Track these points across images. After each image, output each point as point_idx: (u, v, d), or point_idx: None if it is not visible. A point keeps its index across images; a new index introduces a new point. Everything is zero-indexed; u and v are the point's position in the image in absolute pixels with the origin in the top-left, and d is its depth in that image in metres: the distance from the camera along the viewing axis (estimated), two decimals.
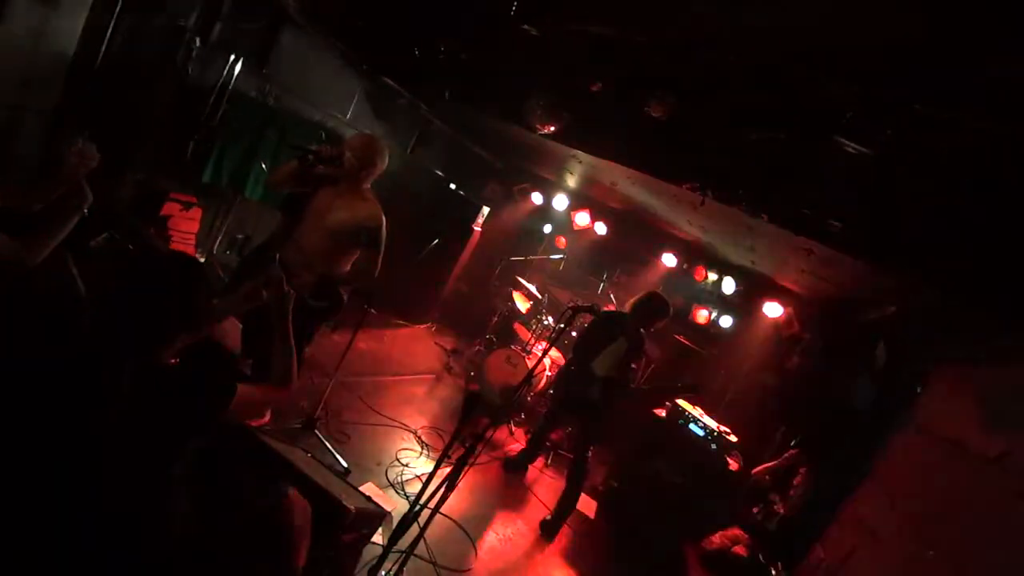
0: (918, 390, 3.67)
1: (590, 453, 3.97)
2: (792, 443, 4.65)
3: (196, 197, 4.45)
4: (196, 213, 4.50)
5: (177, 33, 3.83)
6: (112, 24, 3.48)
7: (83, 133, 1.71)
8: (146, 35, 3.67)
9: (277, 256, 2.84)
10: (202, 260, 4.53)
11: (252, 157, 4.62)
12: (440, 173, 6.95)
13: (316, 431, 3.37)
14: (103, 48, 3.50)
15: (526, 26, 3.36)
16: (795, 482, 4.12)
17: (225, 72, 4.20)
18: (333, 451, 3.31)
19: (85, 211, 1.71)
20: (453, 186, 6.95)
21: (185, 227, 4.46)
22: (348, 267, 3.06)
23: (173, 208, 4.31)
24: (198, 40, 3.92)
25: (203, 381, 1.41)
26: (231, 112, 4.34)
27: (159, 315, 1.35)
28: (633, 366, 3.92)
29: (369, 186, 2.97)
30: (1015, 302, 2.39)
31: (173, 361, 1.43)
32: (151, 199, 4.19)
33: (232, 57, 4.19)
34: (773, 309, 5.35)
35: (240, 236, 5.09)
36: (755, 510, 4.05)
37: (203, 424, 1.41)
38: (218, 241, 4.96)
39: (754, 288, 5.57)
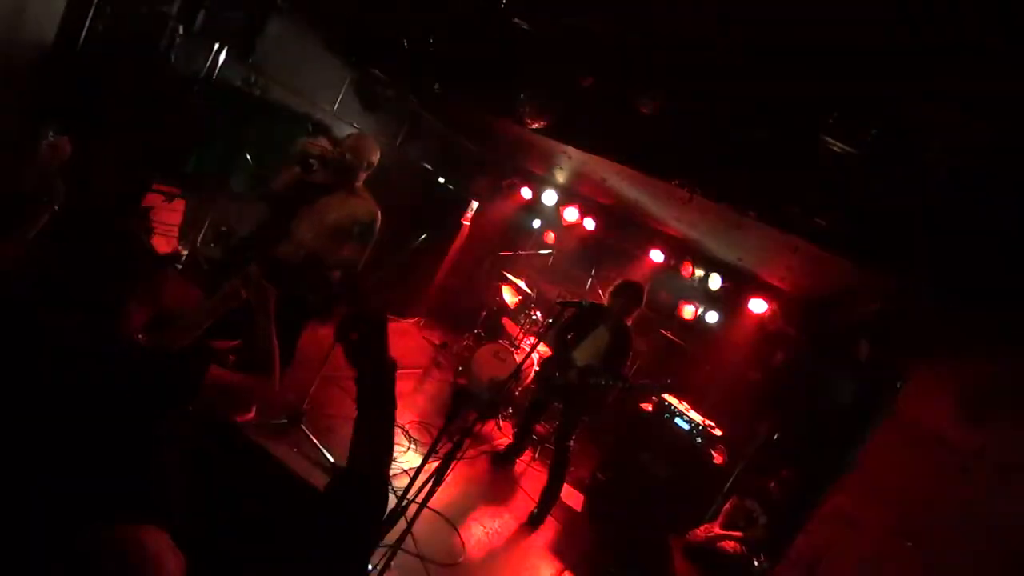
0: (899, 385, 3.74)
1: (572, 443, 4.02)
2: (774, 437, 4.71)
3: (179, 188, 4.37)
4: (179, 204, 4.42)
5: (160, 21, 3.74)
6: (92, 11, 3.39)
7: (54, 126, 1.67)
8: (127, 23, 3.58)
9: (274, 251, 2.89)
10: (185, 252, 4.45)
11: (237, 148, 4.55)
12: (429, 167, 6.90)
13: (302, 426, 3.34)
14: (83, 35, 3.41)
15: (517, 19, 3.34)
16: (771, 486, 4.19)
17: (209, 61, 4.11)
18: (319, 446, 3.28)
19: (55, 208, 1.67)
20: (442, 180, 6.90)
21: (168, 218, 4.38)
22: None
23: (155, 199, 4.23)
24: (181, 28, 3.83)
25: (172, 360, 1.34)
26: (215, 102, 4.25)
27: (96, 276, 1.29)
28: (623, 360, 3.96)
29: (362, 183, 3.07)
30: (996, 300, 2.43)
31: (140, 337, 1.36)
32: (133, 189, 4.11)
33: (216, 46, 4.10)
34: (758, 305, 5.41)
35: (224, 228, 5.02)
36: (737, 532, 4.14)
37: (170, 406, 1.32)
38: (202, 233, 4.88)
39: (740, 284, 5.62)
